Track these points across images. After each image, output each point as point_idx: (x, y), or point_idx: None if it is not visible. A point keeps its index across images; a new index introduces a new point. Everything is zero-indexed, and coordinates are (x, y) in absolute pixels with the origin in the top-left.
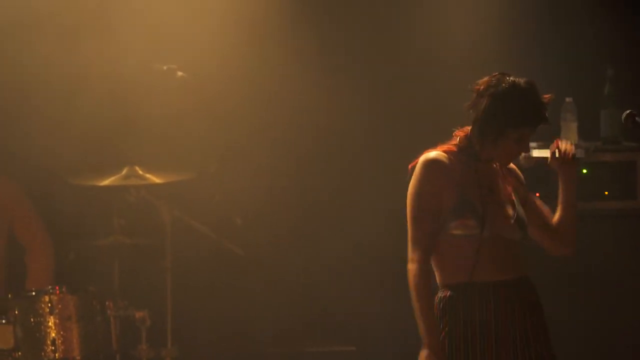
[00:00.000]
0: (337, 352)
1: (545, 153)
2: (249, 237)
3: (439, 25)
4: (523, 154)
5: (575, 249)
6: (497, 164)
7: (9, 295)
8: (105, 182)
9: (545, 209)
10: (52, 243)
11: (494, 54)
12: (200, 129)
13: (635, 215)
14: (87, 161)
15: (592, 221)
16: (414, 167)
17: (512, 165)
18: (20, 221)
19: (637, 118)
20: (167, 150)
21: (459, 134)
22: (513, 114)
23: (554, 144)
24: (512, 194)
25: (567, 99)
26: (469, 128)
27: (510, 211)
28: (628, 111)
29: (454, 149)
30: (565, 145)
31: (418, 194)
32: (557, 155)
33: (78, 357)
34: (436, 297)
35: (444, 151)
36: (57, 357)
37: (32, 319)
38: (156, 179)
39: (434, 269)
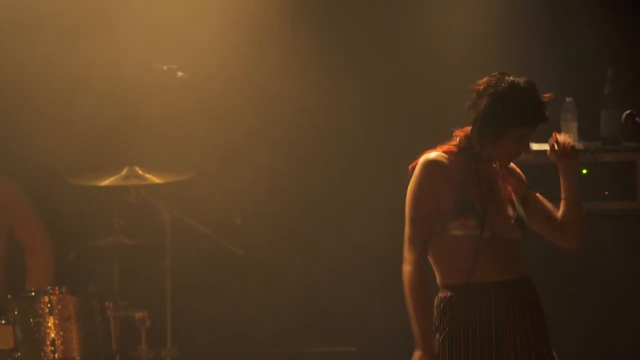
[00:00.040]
0: (337, 353)
1: (544, 146)
2: (248, 237)
3: (439, 25)
4: None
5: (582, 242)
6: (497, 164)
7: (9, 296)
8: (105, 182)
9: (548, 204)
10: (52, 243)
11: (494, 54)
12: (200, 129)
13: (635, 216)
14: (87, 161)
15: (592, 221)
16: (414, 168)
17: (512, 164)
18: (20, 221)
19: (637, 118)
20: (167, 150)
21: (458, 134)
22: (513, 114)
23: (553, 137)
24: (512, 194)
25: (567, 99)
26: (469, 128)
27: (511, 211)
28: (628, 111)
29: (454, 149)
30: (563, 137)
31: (417, 195)
32: (556, 147)
33: (77, 358)
34: (436, 298)
35: (444, 152)
36: (56, 358)
37: (31, 320)
38: (156, 179)
39: (434, 269)
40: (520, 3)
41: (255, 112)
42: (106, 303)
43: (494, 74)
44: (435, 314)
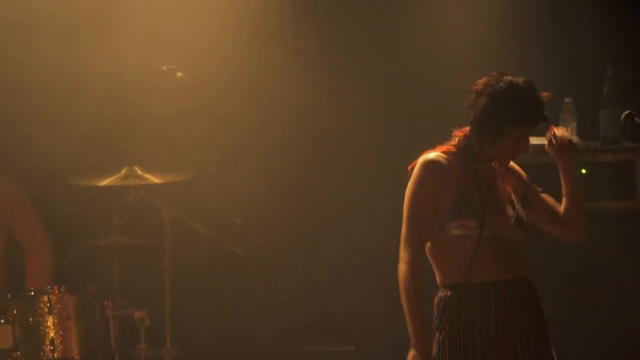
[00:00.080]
0: (337, 352)
1: (542, 140)
2: (248, 237)
3: (439, 25)
4: None
5: (584, 236)
6: (497, 163)
7: (8, 295)
8: (105, 182)
9: (551, 200)
10: (52, 243)
11: (494, 54)
12: (200, 129)
13: (635, 215)
14: (87, 161)
15: (592, 221)
16: (413, 169)
17: (511, 163)
18: (20, 221)
19: (636, 118)
20: (167, 150)
21: (458, 135)
22: (511, 113)
23: (551, 130)
24: (512, 194)
25: (567, 99)
26: (468, 128)
27: (510, 211)
28: (627, 111)
29: (453, 149)
30: (561, 131)
31: (415, 195)
32: (553, 141)
33: (77, 357)
34: (436, 297)
35: (443, 152)
36: (55, 357)
37: (30, 319)
38: (155, 179)
39: (434, 268)
40: (520, 3)
41: (255, 112)
42: (105, 302)
43: (492, 74)
44: (435, 313)
